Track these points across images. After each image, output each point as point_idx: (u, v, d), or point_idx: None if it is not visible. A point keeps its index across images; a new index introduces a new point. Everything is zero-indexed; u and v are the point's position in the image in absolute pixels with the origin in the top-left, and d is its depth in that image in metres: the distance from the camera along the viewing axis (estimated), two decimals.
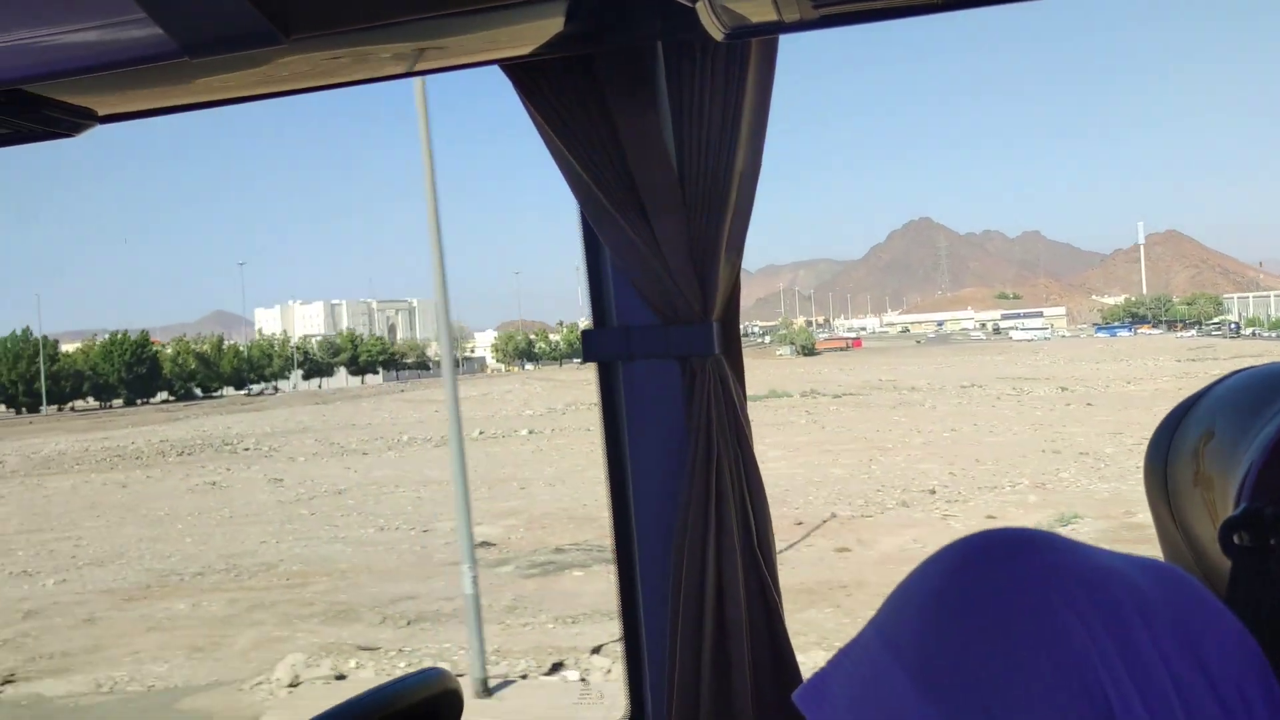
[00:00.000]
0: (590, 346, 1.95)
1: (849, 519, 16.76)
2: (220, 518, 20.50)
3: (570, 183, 1.80)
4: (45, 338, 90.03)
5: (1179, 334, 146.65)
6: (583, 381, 77.12)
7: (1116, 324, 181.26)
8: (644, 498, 1.93)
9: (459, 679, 1.50)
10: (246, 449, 37.96)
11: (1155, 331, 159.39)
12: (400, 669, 10.05)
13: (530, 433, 36.94)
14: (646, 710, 1.97)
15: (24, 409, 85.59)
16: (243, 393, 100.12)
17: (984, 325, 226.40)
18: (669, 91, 1.76)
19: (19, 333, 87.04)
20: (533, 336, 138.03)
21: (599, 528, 16.65)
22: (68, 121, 1.82)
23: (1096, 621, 0.62)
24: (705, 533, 1.77)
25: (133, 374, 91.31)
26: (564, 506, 19.45)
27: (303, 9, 1.37)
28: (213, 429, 52.33)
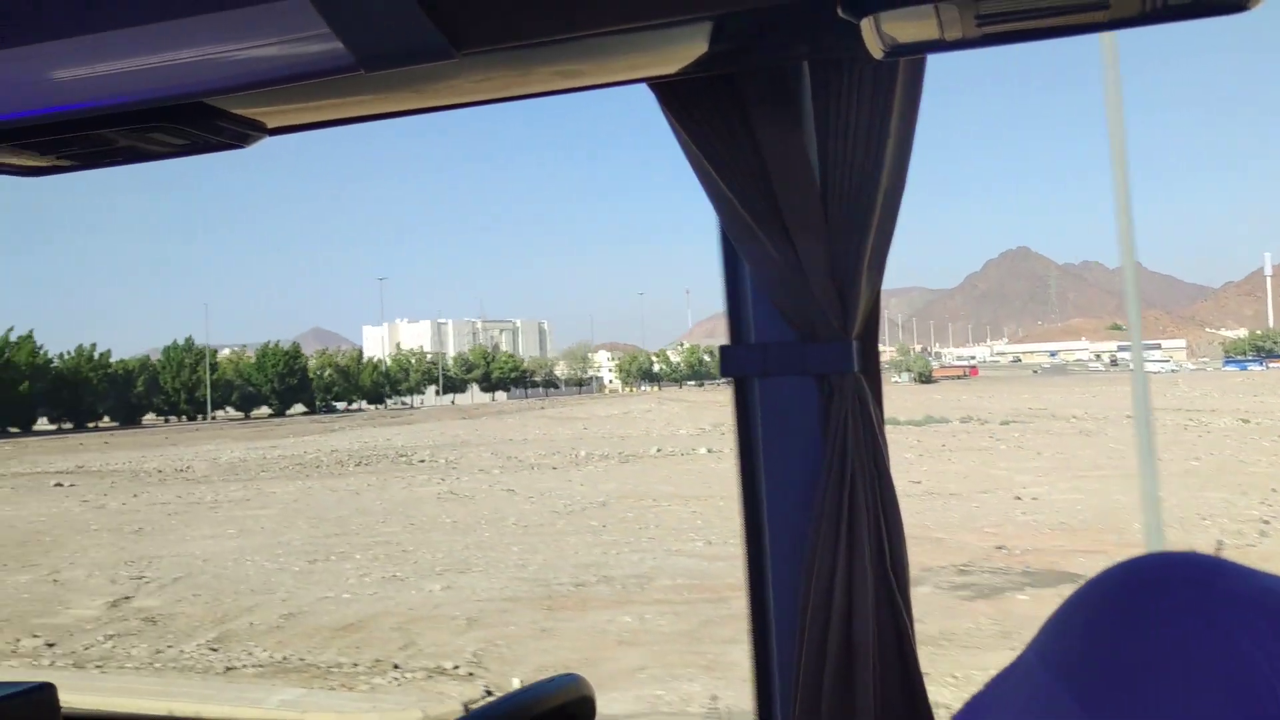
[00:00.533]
0: (728, 362, 1.93)
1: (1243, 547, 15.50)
2: (506, 528, 19.95)
3: (713, 199, 1.81)
4: (208, 347, 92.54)
5: None
6: (713, 403, 76.54)
7: (1244, 358, 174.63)
8: (777, 515, 1.91)
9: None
10: (423, 460, 37.88)
11: None
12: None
13: (709, 451, 36.29)
14: None
15: (183, 416, 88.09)
16: (378, 406, 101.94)
17: (1099, 356, 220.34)
18: (814, 110, 1.74)
19: (180, 342, 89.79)
20: (654, 357, 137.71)
21: (957, 549, 15.81)
22: (240, 133, 1.89)
23: (1276, 649, 0.59)
24: (836, 553, 1.75)
25: (284, 385, 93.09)
26: (919, 520, 18.19)
27: (474, 24, 1.44)
28: (373, 441, 52.74)
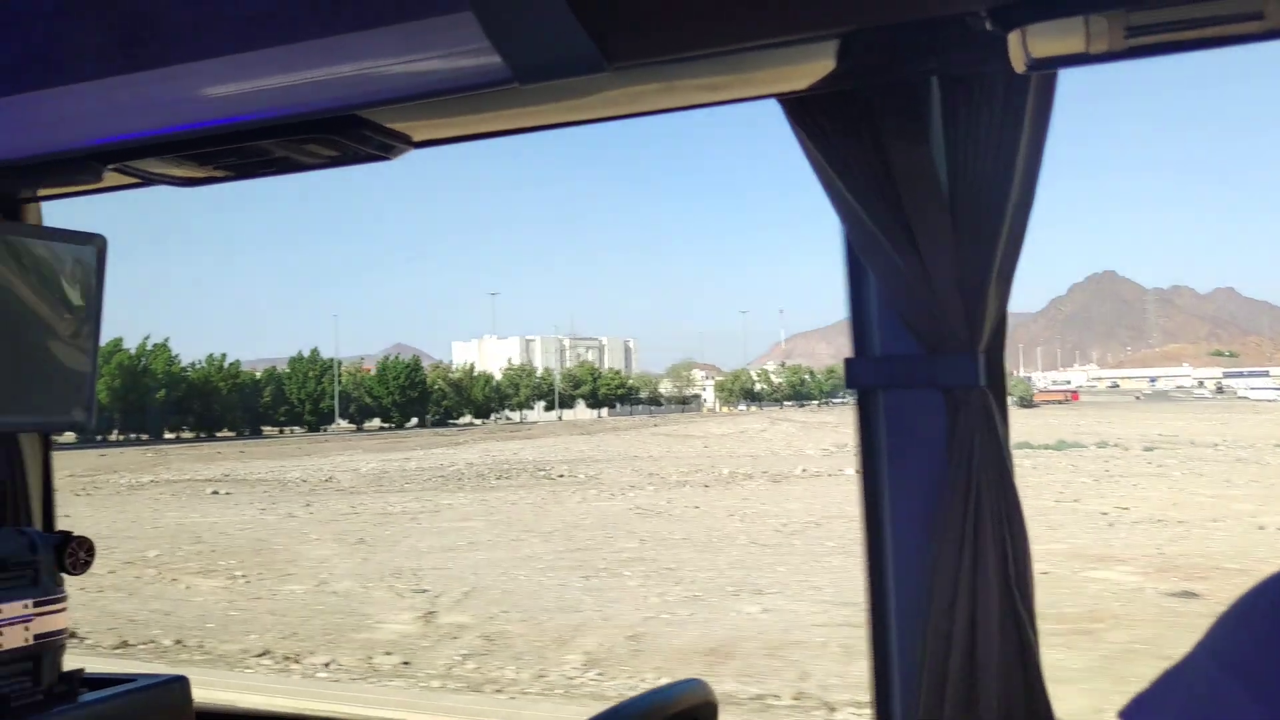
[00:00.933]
0: (852, 374, 1.93)
1: None
2: (746, 546, 18.86)
3: (839, 212, 1.82)
4: (336, 360, 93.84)
5: None
6: (823, 424, 75.37)
7: None
8: (900, 528, 1.89)
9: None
10: (561, 475, 37.17)
11: None
12: None
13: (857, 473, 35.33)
14: None
15: (305, 426, 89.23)
16: (484, 421, 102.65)
17: (1201, 383, 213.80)
18: (944, 124, 1.75)
19: (306, 354, 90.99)
20: (755, 375, 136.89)
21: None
22: (387, 145, 1.95)
23: None
24: (959, 568, 1.73)
25: (405, 397, 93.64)
26: (1179, 550, 17.30)
27: (626, 37, 1.49)
28: (501, 454, 52.38)
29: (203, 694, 2.36)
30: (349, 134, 1.87)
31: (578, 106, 1.86)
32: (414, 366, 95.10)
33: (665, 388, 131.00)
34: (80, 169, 2.19)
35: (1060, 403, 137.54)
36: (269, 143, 1.94)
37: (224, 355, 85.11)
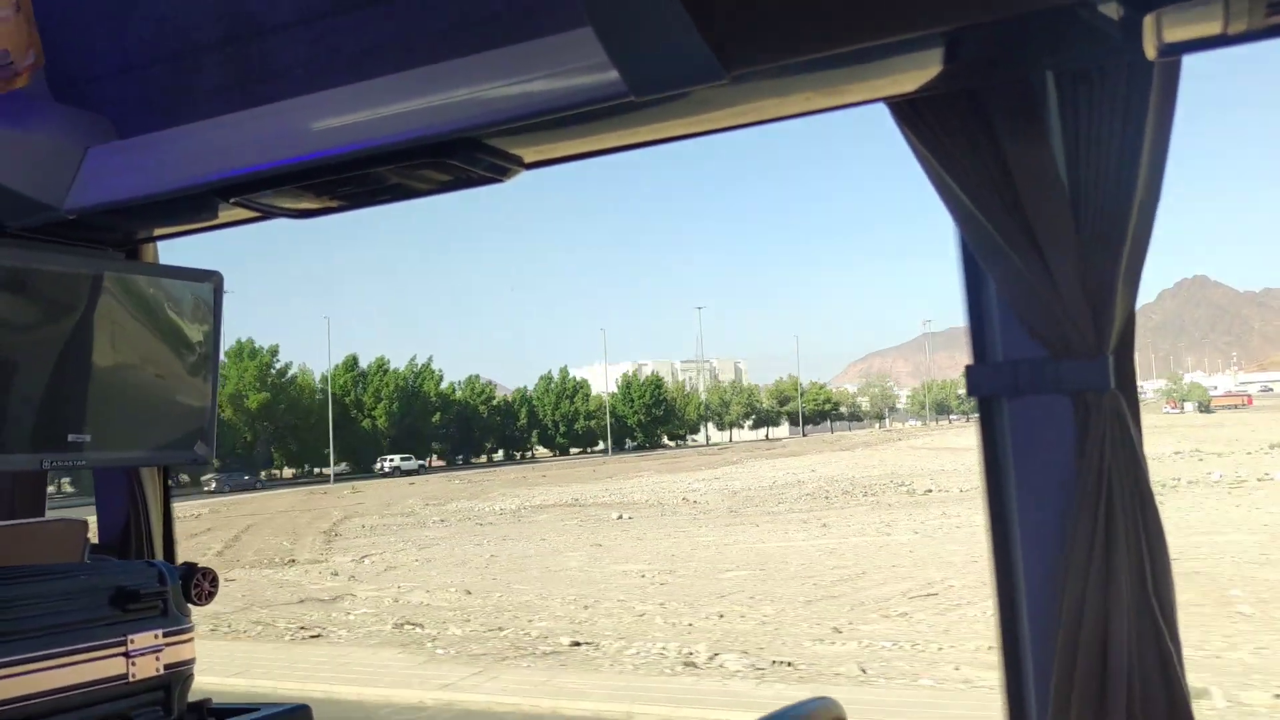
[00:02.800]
0: (974, 382, 1.85)
1: None
2: None
3: (955, 216, 1.75)
4: (581, 379, 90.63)
5: None
6: None
7: None
8: (1030, 540, 1.81)
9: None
10: (929, 490, 34.68)
11: None
12: None
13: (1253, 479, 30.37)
14: None
15: (557, 450, 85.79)
16: (678, 443, 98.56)
17: None
18: (1062, 120, 1.67)
19: (554, 374, 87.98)
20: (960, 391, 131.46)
21: None
22: (501, 167, 1.93)
23: None
24: (1088, 577, 1.66)
25: (650, 416, 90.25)
26: None
27: (743, 44, 1.48)
28: (803, 471, 49.85)
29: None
30: (462, 157, 1.85)
31: (692, 118, 1.83)
32: (656, 383, 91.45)
33: (864, 402, 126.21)
34: (199, 205, 2.21)
35: (1236, 408, 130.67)
36: (383, 170, 1.92)
37: (476, 376, 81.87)
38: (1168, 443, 53.46)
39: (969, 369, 1.85)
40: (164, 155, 2.09)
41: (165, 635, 2.15)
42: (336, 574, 22.50)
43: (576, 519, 33.70)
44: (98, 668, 2.05)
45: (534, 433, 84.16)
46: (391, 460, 67.02)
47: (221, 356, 2.35)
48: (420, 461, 70.52)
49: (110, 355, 2.26)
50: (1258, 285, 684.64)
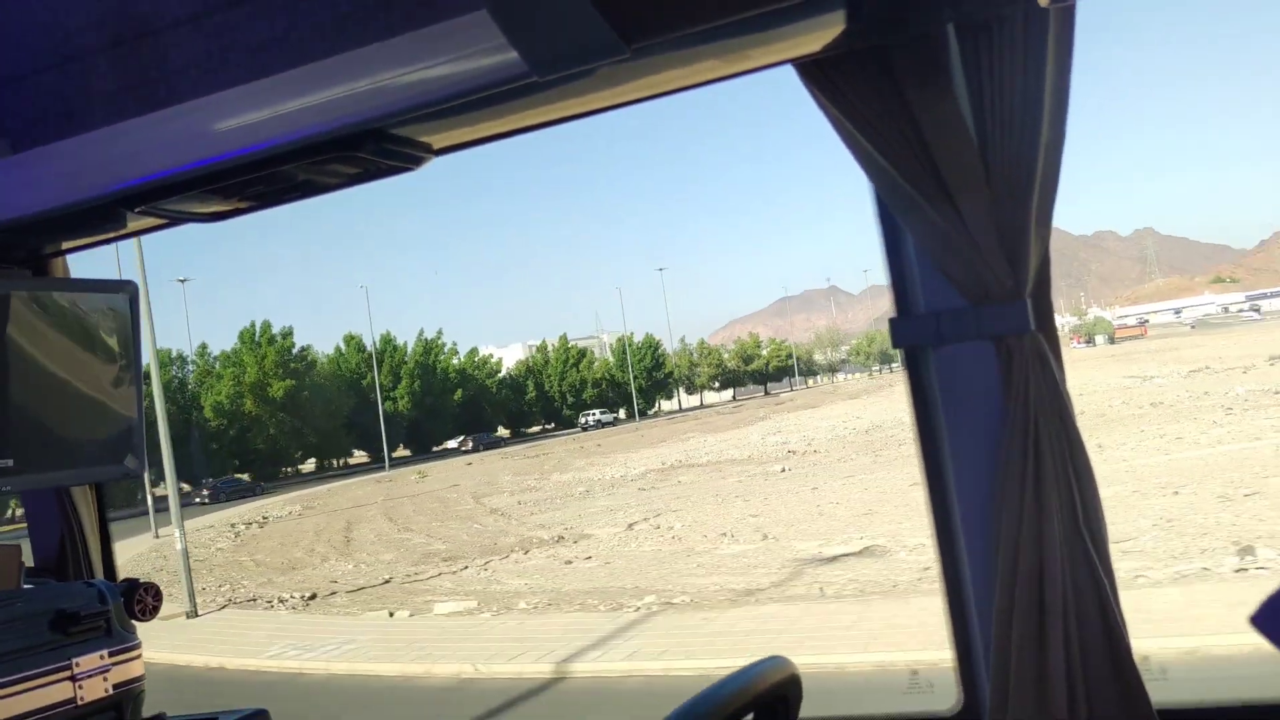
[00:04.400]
0: (898, 334, 1.89)
1: None
2: None
3: (869, 173, 1.77)
4: (588, 345, 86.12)
5: None
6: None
7: None
8: (964, 483, 1.85)
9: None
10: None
11: None
12: None
13: None
14: (981, 700, 1.93)
15: (553, 423, 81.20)
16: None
17: (1226, 309, 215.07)
18: (966, 72, 1.69)
19: (554, 342, 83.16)
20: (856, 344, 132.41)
21: None
22: (410, 155, 1.93)
23: None
24: (1023, 514, 1.71)
25: (651, 380, 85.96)
26: None
27: (642, 16, 1.49)
28: (842, 420, 49.72)
29: None
30: (369, 149, 1.84)
31: (597, 94, 1.84)
32: (654, 346, 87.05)
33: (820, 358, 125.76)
34: (104, 216, 2.18)
35: (1136, 339, 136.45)
36: (290, 167, 1.90)
37: (474, 349, 75.62)
38: (1137, 368, 55.05)
39: (893, 321, 1.87)
40: (63, 167, 2.04)
41: (111, 655, 2.14)
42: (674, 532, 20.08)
43: (741, 475, 32.10)
44: (44, 695, 2.02)
45: (539, 406, 79.33)
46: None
47: (145, 363, 2.23)
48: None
49: (26, 376, 2.19)
50: (1090, 229, 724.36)
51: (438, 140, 1.94)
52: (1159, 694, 1.70)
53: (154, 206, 2.05)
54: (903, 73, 1.69)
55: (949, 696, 2.00)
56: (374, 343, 68.32)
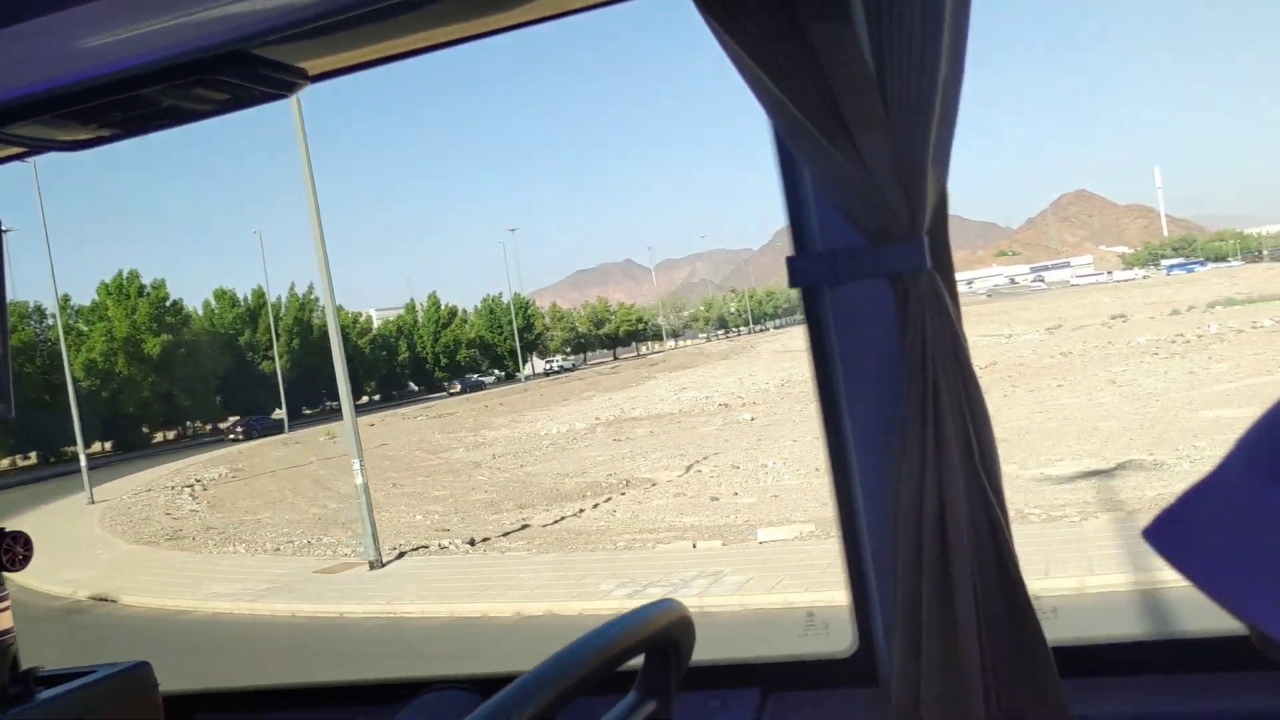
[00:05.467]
0: (795, 273, 1.85)
1: None
2: None
3: (765, 105, 1.72)
4: (453, 306, 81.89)
5: (1232, 265, 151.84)
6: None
7: (1189, 262, 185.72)
8: (860, 423, 1.87)
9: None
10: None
11: (1219, 265, 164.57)
12: None
13: None
14: (875, 639, 1.96)
15: (421, 388, 76.69)
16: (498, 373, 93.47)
17: (1013, 280, 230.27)
18: (865, 5, 1.66)
19: (422, 302, 78.50)
20: (733, 300, 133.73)
21: None
22: (283, 81, 1.86)
23: None
24: (924, 454, 1.71)
25: (522, 341, 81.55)
26: None
27: None
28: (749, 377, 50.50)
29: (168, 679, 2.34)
30: (240, 73, 1.75)
31: (482, 19, 1.80)
32: (525, 306, 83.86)
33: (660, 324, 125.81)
34: None
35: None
36: (153, 91, 1.78)
37: (340, 307, 70.10)
38: (987, 328, 58.77)
39: (790, 260, 1.84)
40: None
41: None
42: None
43: (707, 425, 32.25)
44: None
45: (409, 368, 75.07)
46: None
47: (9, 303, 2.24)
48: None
49: None
50: None
51: (313, 66, 1.86)
52: (1052, 632, 1.72)
53: (6, 131, 1.91)
54: (802, 3, 1.62)
55: (844, 638, 2.02)
56: (277, 296, 63.13)
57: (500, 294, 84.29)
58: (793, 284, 1.86)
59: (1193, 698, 1.79)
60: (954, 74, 1.66)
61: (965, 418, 1.71)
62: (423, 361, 74.61)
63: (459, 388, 71.43)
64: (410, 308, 77.78)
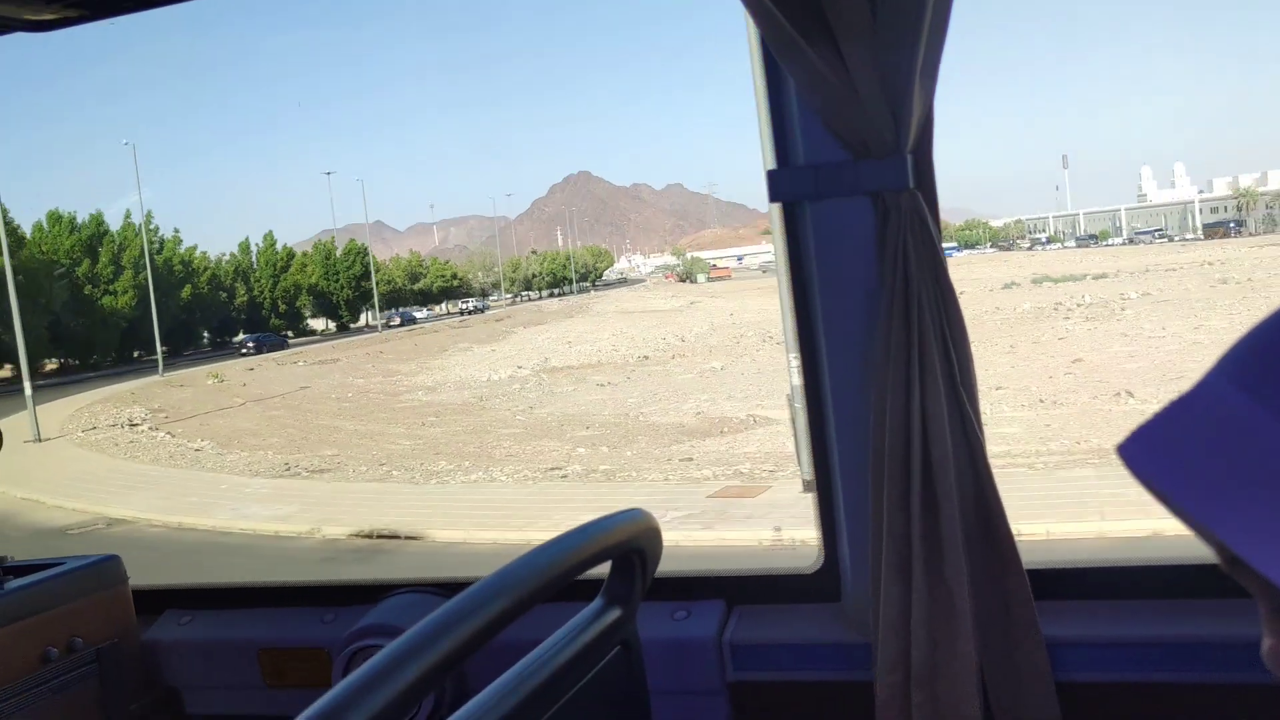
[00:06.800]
0: (775, 187, 1.82)
1: None
2: None
3: (752, 10, 1.65)
4: (289, 247, 73.74)
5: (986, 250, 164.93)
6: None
7: (949, 247, 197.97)
8: (836, 340, 1.83)
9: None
10: None
11: (972, 252, 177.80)
12: None
13: None
14: (841, 557, 1.94)
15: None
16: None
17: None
18: None
19: (259, 243, 70.53)
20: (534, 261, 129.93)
21: None
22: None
23: None
24: (908, 371, 1.67)
25: (359, 290, 75.01)
26: None
27: None
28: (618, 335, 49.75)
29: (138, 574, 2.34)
30: None
31: None
32: (362, 252, 76.40)
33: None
34: None
35: (726, 279, 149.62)
36: None
37: (177, 240, 60.50)
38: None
39: (771, 174, 1.81)
40: None
41: None
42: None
43: (680, 373, 31.50)
44: None
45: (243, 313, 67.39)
46: None
47: None
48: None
49: None
50: (629, 181, 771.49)
51: None
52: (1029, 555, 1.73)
53: None
54: None
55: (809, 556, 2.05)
56: (141, 224, 54.49)
57: (333, 238, 78.89)
58: (773, 198, 1.80)
59: (1163, 623, 1.75)
60: None
61: (946, 338, 1.67)
62: (259, 307, 68.23)
63: (252, 345, 59.82)
64: (244, 246, 70.98)
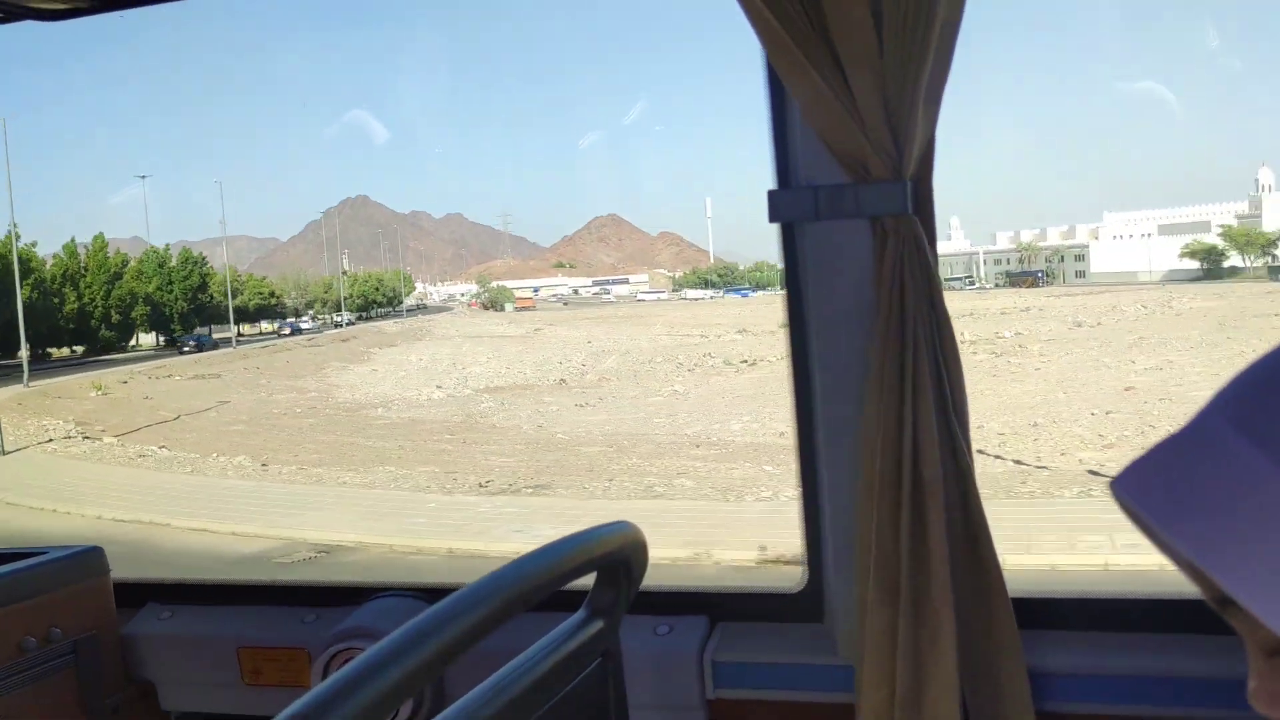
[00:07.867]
0: (775, 207, 1.84)
1: None
2: None
3: (759, 32, 1.68)
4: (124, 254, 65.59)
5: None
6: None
7: (742, 288, 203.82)
8: (828, 361, 1.86)
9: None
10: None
11: (765, 292, 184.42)
12: None
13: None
14: (825, 577, 1.94)
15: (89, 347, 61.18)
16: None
17: (577, 291, 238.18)
18: None
19: (88, 243, 61.94)
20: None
21: None
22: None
23: None
24: (900, 394, 1.69)
25: (195, 302, 68.27)
26: None
27: None
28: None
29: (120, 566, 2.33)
30: None
31: None
32: (199, 262, 69.94)
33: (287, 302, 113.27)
34: None
35: (531, 309, 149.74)
36: None
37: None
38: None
39: (772, 194, 1.83)
40: None
41: None
42: None
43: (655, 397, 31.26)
44: None
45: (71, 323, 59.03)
46: None
47: None
48: None
49: None
50: (408, 208, 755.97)
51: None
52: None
53: None
54: None
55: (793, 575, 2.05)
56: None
57: (167, 246, 71.78)
58: (772, 218, 1.82)
59: (1146, 656, 1.78)
60: (952, 17, 1.62)
61: (939, 363, 1.70)
62: (89, 316, 60.74)
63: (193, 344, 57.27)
64: (70, 249, 62.72)
